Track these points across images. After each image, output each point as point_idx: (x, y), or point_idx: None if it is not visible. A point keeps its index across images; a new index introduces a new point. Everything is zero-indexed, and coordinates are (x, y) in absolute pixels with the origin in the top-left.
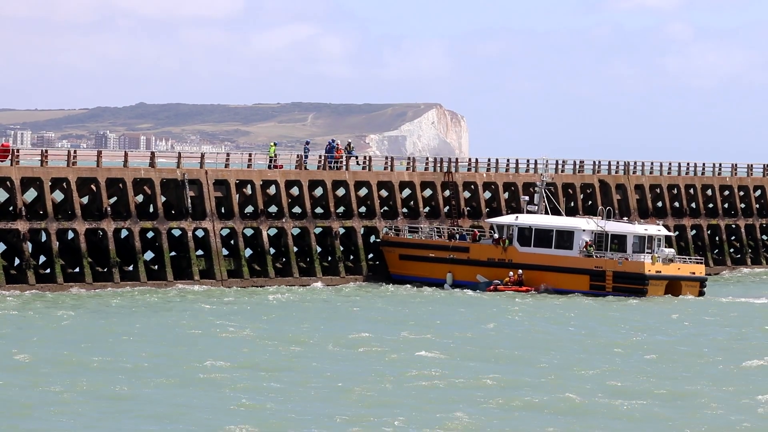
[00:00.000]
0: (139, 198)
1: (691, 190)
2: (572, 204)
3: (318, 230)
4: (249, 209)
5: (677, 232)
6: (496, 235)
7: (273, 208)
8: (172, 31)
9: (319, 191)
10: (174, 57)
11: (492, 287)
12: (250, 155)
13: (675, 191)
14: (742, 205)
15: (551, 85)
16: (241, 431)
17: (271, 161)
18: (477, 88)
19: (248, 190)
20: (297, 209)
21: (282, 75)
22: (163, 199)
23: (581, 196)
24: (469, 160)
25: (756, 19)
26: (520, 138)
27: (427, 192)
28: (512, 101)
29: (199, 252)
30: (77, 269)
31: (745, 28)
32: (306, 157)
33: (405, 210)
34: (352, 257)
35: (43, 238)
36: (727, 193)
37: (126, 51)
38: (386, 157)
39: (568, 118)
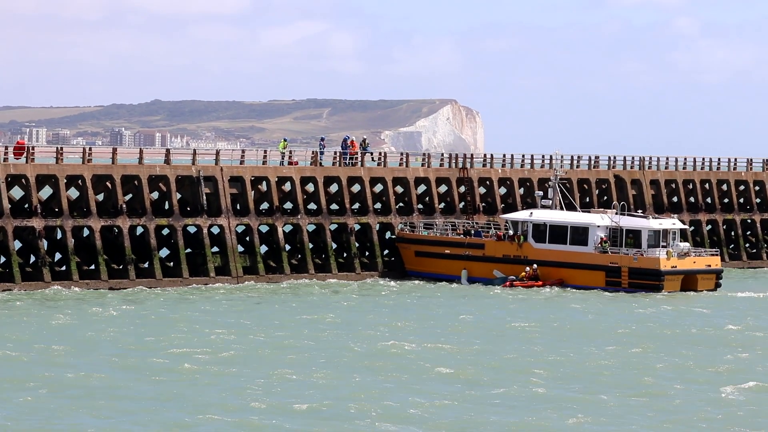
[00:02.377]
0: (155, 195)
1: (707, 185)
2: (587, 199)
3: (333, 226)
4: (264, 206)
5: (693, 227)
6: (511, 232)
7: (288, 205)
8: (180, 28)
9: (334, 187)
10: (184, 53)
11: (508, 283)
12: (265, 152)
13: (690, 186)
14: (758, 200)
15: (561, 81)
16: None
17: (282, 157)
18: (489, 84)
19: (263, 187)
20: (312, 206)
21: (293, 71)
22: (179, 196)
23: (596, 191)
24: (484, 155)
25: (762, 15)
26: (535, 134)
27: (443, 188)
28: (524, 97)
29: (215, 249)
30: (93, 266)
31: (751, 24)
32: (321, 153)
33: (420, 206)
34: (367, 253)
35: (59, 235)
36: (742, 188)
37: (136, 48)
38: (401, 153)
39: (579, 114)
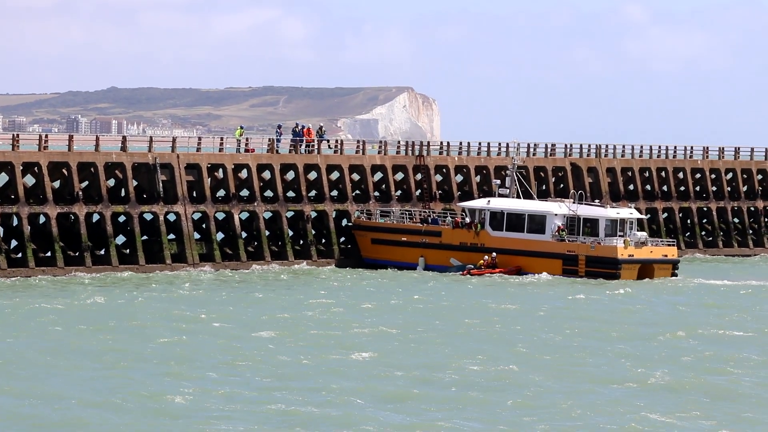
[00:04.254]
0: (111, 182)
1: (663, 173)
2: (544, 187)
3: (290, 214)
4: (221, 193)
5: (649, 215)
6: (468, 220)
7: (245, 192)
8: (131, 16)
9: (290, 175)
10: (137, 41)
11: (465, 272)
12: (221, 139)
13: (647, 174)
14: (714, 188)
15: (513, 69)
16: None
17: (239, 144)
18: (444, 72)
19: (220, 174)
20: (269, 193)
21: (247, 59)
22: (135, 183)
23: (553, 179)
24: (441, 143)
25: (712, 3)
26: (491, 122)
27: (399, 175)
28: (478, 85)
29: (171, 236)
30: (49, 253)
31: (701, 12)
32: (278, 141)
33: (377, 193)
34: (324, 241)
35: (15, 222)
36: (698, 176)
37: (88, 36)
38: (358, 141)
39: (532, 102)
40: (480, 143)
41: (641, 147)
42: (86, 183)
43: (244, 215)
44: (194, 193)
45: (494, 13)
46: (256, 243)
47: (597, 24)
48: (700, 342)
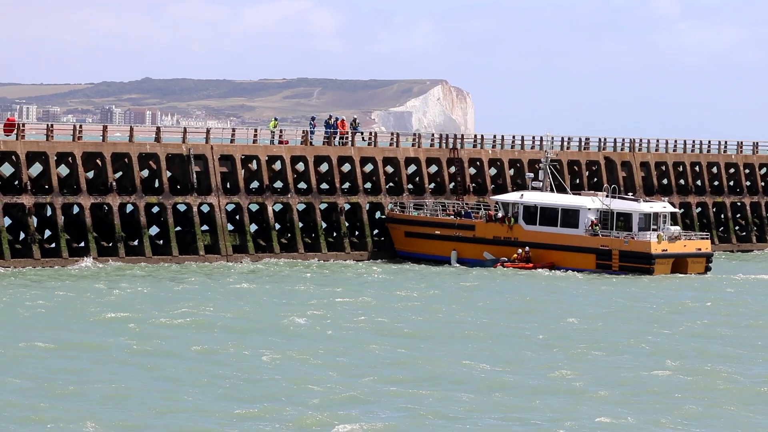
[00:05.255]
0: (145, 173)
1: (697, 168)
2: (577, 181)
3: (323, 206)
4: (254, 184)
5: (682, 210)
6: (502, 213)
7: (278, 184)
8: (160, 6)
9: (324, 167)
10: (168, 32)
11: (499, 264)
12: (255, 131)
13: (680, 169)
14: (748, 183)
15: (543, 62)
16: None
17: (273, 136)
18: (475, 65)
19: (254, 166)
20: (302, 185)
21: (279, 50)
22: (169, 174)
23: (586, 173)
24: (475, 136)
25: None
26: (525, 115)
27: (433, 168)
28: (510, 78)
29: (204, 227)
30: (82, 244)
31: (730, 5)
32: (312, 132)
33: (410, 186)
34: (357, 233)
35: (49, 212)
36: (732, 170)
37: (118, 25)
38: (392, 133)
39: (562, 96)
40: (514, 136)
41: (675, 141)
42: (120, 173)
43: (278, 207)
44: (228, 184)
45: (522, 6)
46: (289, 235)
47: (626, 17)
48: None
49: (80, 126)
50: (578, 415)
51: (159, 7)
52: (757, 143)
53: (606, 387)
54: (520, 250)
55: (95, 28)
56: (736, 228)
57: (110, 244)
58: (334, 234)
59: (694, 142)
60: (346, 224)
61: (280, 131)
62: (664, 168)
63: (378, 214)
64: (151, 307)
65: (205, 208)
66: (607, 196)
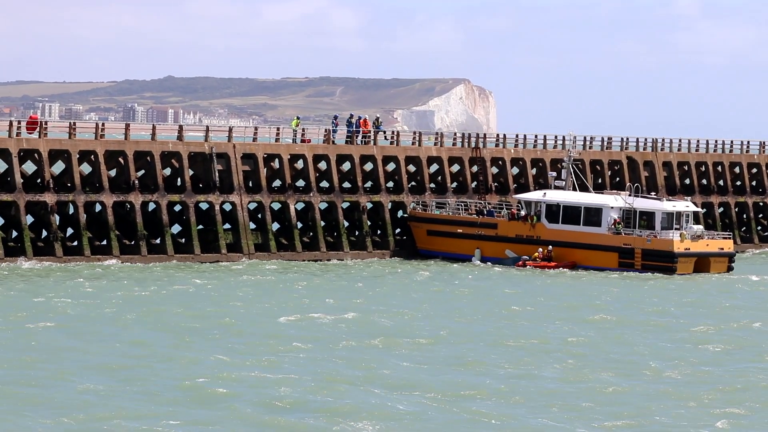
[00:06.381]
0: (167, 171)
1: (719, 168)
2: (600, 180)
3: (345, 205)
4: (276, 183)
5: (705, 210)
6: (524, 212)
7: (300, 182)
8: (177, 3)
9: (346, 166)
10: (186, 29)
11: (521, 263)
12: (278, 129)
13: (703, 168)
14: None
15: (564, 62)
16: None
17: (295, 135)
18: (497, 64)
19: (276, 164)
20: (324, 183)
21: (298, 48)
22: (191, 172)
23: (609, 172)
24: (497, 135)
25: None
26: (547, 114)
27: (455, 167)
28: (532, 77)
29: (227, 226)
30: (104, 242)
31: (749, 5)
32: (334, 131)
33: (432, 185)
34: (379, 232)
35: (71, 210)
36: (755, 170)
37: (138, 23)
38: (414, 132)
39: (583, 95)
40: (536, 136)
41: (698, 141)
42: (142, 172)
43: (300, 206)
44: (250, 183)
45: (541, 4)
46: (311, 234)
47: (646, 16)
48: None
49: (103, 124)
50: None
51: (176, 4)
52: None
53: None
54: (541, 249)
55: (115, 25)
56: (758, 228)
57: (132, 243)
58: (356, 233)
59: (716, 142)
60: (368, 223)
61: (303, 130)
62: (686, 168)
63: (400, 213)
64: (189, 306)
65: (228, 207)
66: (629, 195)
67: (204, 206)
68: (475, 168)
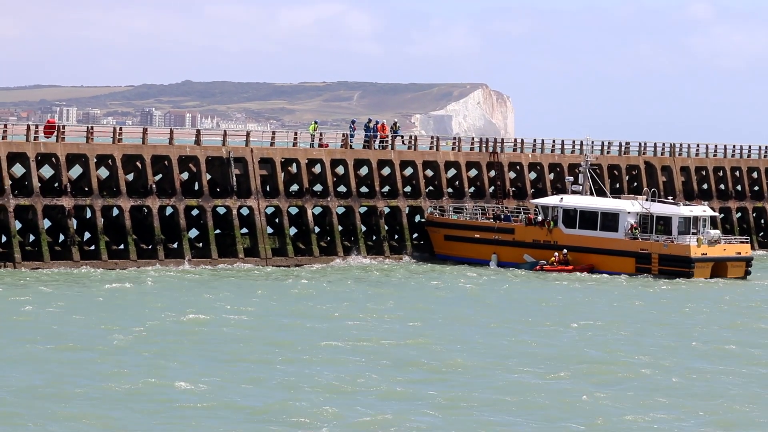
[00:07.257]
0: (185, 175)
1: (737, 173)
2: (617, 185)
3: (363, 209)
4: (294, 187)
5: (723, 215)
6: (541, 217)
7: (318, 187)
8: (194, 6)
9: (364, 170)
10: (203, 33)
11: (538, 267)
12: (295, 133)
13: (721, 173)
14: None
15: (581, 66)
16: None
17: (312, 139)
18: (515, 68)
19: (293, 169)
20: (342, 188)
21: (315, 53)
22: (208, 176)
23: (626, 177)
24: (515, 140)
25: None
26: (565, 119)
27: (473, 172)
28: (549, 82)
29: (244, 230)
30: (122, 246)
31: (764, 9)
32: (351, 136)
33: (450, 190)
34: (396, 236)
35: (88, 214)
36: None
37: (153, 27)
38: (432, 137)
39: (601, 99)
40: (554, 140)
41: (715, 146)
42: (160, 176)
43: (317, 210)
44: (267, 187)
45: (557, 7)
46: (328, 238)
47: (662, 20)
48: None
49: (120, 128)
50: None
51: (194, 8)
52: None
53: None
54: (556, 253)
55: (133, 29)
56: None
57: (149, 247)
58: (374, 237)
59: (734, 146)
60: (386, 227)
61: (320, 134)
62: (704, 173)
63: (417, 218)
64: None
65: (245, 211)
66: (646, 200)
67: (221, 211)
68: (492, 173)
